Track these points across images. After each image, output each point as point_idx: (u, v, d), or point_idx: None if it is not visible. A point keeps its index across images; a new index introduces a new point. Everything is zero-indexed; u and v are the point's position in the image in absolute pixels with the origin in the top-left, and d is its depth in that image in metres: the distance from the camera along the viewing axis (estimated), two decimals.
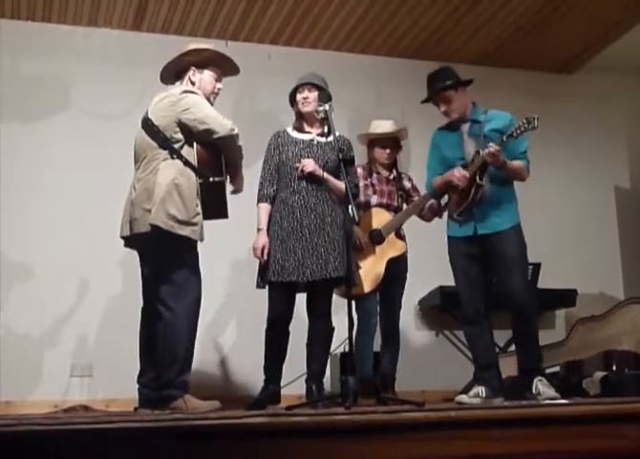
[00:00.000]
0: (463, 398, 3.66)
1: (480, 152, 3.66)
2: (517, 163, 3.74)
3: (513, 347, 5.01)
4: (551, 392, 3.56)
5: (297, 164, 3.87)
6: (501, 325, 4.12)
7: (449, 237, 3.88)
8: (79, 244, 4.92)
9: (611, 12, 5.39)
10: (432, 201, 4.44)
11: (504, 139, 3.61)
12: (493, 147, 3.58)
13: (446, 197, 4.01)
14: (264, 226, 3.86)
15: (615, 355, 4.48)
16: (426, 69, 5.91)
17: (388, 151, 4.47)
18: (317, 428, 1.85)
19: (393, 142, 4.50)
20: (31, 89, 5.15)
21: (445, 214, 4.01)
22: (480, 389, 3.65)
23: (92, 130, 5.15)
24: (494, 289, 3.83)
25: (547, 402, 3.38)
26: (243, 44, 5.56)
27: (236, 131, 3.54)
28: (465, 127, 3.85)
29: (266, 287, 3.84)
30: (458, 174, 3.73)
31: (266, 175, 3.95)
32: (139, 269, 3.59)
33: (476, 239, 3.74)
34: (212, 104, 3.64)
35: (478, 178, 3.67)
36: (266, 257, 3.78)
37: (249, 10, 5.26)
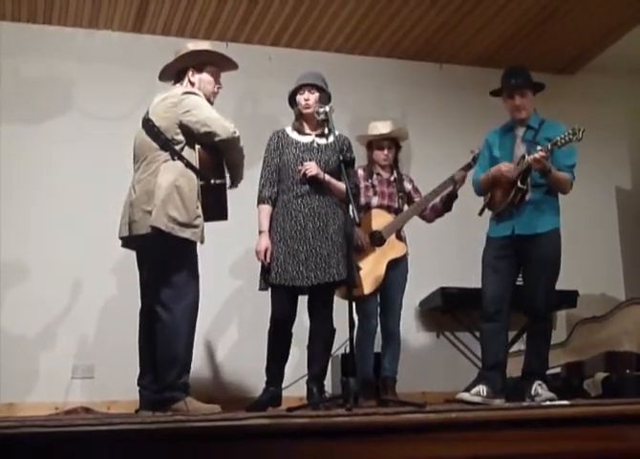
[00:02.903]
0: (464, 395, 3.68)
1: (526, 157, 3.69)
2: (562, 174, 3.77)
3: (515, 348, 5.03)
4: (549, 394, 3.57)
5: (299, 167, 3.85)
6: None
7: (488, 238, 3.91)
8: (80, 244, 4.91)
9: (612, 13, 5.39)
10: (434, 202, 4.45)
11: (549, 147, 3.63)
12: (539, 153, 3.62)
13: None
14: (265, 228, 3.84)
15: (616, 356, 4.49)
16: (427, 70, 6.00)
17: (386, 152, 4.46)
18: (318, 430, 1.85)
19: (391, 142, 4.49)
20: (31, 91, 5.15)
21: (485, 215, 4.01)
22: (482, 388, 3.67)
23: (92, 132, 5.14)
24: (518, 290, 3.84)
25: (548, 403, 3.38)
26: (243, 46, 5.55)
27: (237, 134, 3.54)
28: (520, 131, 3.91)
29: (269, 289, 3.83)
30: (505, 167, 3.76)
31: (266, 176, 3.92)
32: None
33: (512, 240, 3.77)
34: (212, 103, 3.63)
35: (519, 182, 3.70)
36: (269, 260, 3.78)
37: (250, 11, 5.25)
